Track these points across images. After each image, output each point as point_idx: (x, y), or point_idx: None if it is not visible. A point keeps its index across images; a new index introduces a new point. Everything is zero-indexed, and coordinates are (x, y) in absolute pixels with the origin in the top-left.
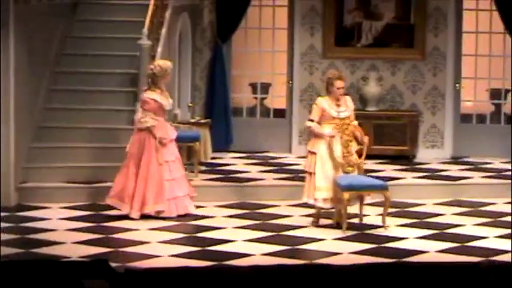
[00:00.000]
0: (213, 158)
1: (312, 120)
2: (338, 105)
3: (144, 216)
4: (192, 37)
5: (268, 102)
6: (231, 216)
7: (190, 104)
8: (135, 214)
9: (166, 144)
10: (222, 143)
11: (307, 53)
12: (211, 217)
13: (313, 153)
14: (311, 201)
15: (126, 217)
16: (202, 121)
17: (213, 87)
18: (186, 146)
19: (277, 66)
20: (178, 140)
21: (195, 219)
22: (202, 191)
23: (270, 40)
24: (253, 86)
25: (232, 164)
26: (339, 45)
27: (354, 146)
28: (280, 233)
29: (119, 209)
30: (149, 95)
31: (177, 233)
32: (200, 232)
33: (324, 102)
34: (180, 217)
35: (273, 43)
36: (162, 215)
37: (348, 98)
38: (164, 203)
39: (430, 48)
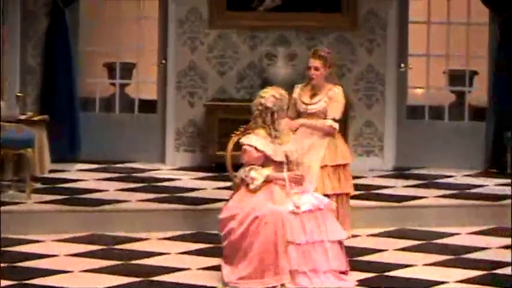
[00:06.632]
0: (52, 171)
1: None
2: (314, 95)
3: None
4: None
5: (131, 91)
6: (79, 255)
7: (19, 94)
8: None
9: None
10: (65, 150)
11: (188, 20)
12: (50, 256)
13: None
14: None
15: None
16: (37, 118)
17: (53, 70)
18: (13, 154)
19: (144, 40)
20: (2, 145)
21: (21, 260)
22: (37, 219)
23: (133, 3)
24: (110, 68)
25: (81, 180)
26: (233, 8)
27: None
28: (149, 278)
29: None
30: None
31: None
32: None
33: (297, 90)
34: None
35: (139, 7)
36: None
37: (336, 89)
38: None
39: (364, 12)
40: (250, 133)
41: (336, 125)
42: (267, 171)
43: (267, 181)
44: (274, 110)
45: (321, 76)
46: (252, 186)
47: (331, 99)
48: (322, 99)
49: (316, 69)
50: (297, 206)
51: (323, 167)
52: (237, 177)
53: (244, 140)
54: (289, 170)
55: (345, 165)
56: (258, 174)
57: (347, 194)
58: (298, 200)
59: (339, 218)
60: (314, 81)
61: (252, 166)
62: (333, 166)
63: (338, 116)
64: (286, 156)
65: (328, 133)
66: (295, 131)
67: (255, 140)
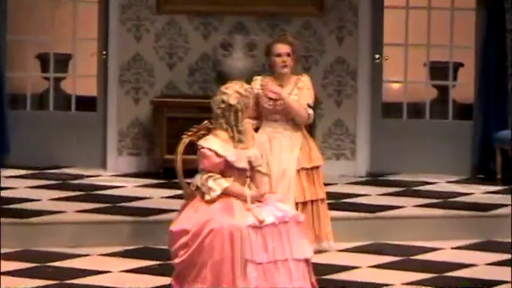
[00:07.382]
0: None
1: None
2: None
3: None
4: None
5: (67, 86)
6: (8, 274)
7: None
8: None
9: None
10: None
11: (132, 4)
12: None
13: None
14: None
15: None
16: None
17: None
18: None
19: (82, 28)
20: None
21: None
22: None
23: None
24: (43, 60)
25: (10, 188)
26: None
27: None
28: None
29: None
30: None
31: None
32: None
33: (258, 83)
34: None
35: None
36: None
37: (303, 78)
38: None
39: None
40: (206, 134)
41: (312, 112)
42: (227, 183)
43: (226, 194)
44: (238, 108)
45: (291, 64)
46: (207, 197)
47: (301, 90)
48: (292, 93)
49: (289, 55)
50: (260, 220)
51: (299, 170)
52: (191, 185)
53: (203, 142)
54: (252, 177)
55: (318, 167)
56: (217, 185)
57: (322, 199)
58: (259, 214)
59: (321, 227)
60: (286, 70)
61: (210, 174)
62: (307, 169)
63: (311, 101)
64: (250, 163)
65: (304, 119)
66: (257, 130)
67: (216, 144)
